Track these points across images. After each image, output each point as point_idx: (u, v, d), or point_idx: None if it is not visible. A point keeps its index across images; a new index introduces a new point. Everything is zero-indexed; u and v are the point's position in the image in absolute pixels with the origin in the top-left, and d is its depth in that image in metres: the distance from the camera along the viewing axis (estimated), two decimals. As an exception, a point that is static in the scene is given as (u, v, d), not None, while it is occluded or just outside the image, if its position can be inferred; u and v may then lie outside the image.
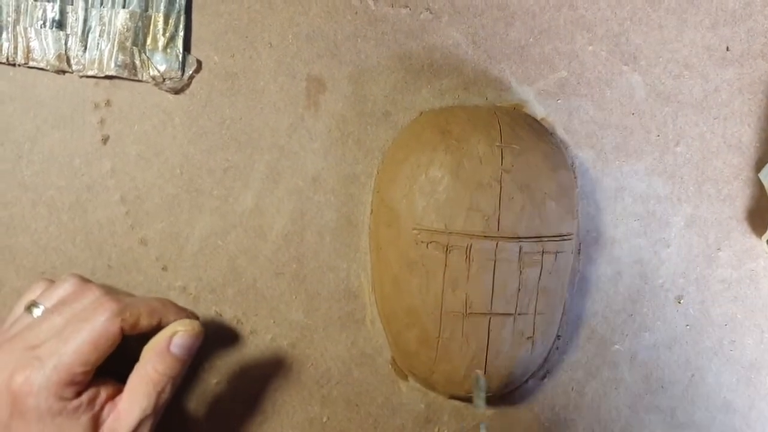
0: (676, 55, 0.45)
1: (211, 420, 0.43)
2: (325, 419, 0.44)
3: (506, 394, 0.44)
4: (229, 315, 0.44)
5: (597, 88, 0.45)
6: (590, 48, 0.45)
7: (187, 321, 0.37)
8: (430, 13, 0.44)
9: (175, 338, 0.36)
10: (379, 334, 0.44)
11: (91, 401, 0.35)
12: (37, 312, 0.37)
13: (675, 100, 0.45)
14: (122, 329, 0.35)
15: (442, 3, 0.44)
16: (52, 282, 0.39)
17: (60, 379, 0.33)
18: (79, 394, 0.34)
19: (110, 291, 0.38)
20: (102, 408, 0.35)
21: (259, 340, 0.44)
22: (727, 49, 0.45)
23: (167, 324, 0.37)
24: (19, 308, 0.38)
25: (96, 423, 0.35)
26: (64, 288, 0.38)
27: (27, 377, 0.33)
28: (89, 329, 0.35)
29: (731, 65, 0.46)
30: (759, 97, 0.46)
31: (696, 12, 0.45)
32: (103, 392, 0.36)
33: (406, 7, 0.44)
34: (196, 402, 0.43)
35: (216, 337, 0.43)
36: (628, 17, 0.45)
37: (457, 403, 0.44)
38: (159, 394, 0.36)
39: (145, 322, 0.37)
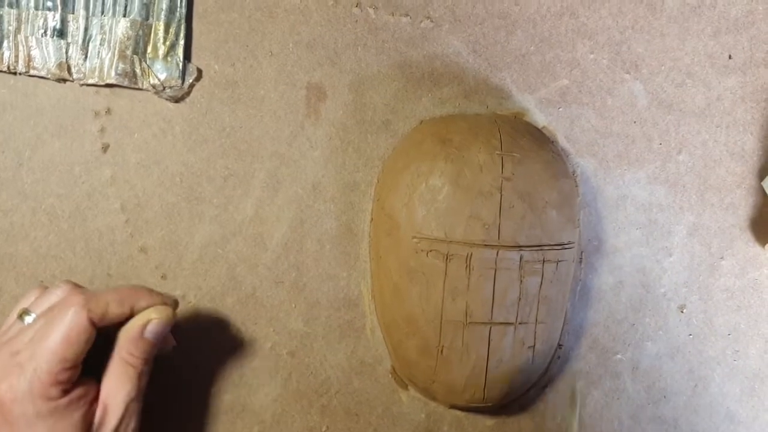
0: (678, 63, 0.45)
1: (208, 430, 0.43)
2: (324, 429, 0.44)
3: (507, 403, 0.43)
4: (228, 323, 0.43)
5: (598, 96, 0.45)
6: (592, 56, 0.45)
7: (161, 308, 0.38)
8: (431, 21, 0.44)
9: (149, 326, 0.37)
10: (379, 343, 0.44)
11: (81, 398, 0.35)
12: (28, 319, 0.37)
13: (677, 108, 0.45)
14: (92, 320, 0.35)
15: (442, 11, 0.44)
16: (46, 289, 0.39)
17: (42, 381, 0.34)
18: (66, 392, 0.34)
19: (78, 287, 0.38)
20: (92, 404, 0.36)
21: (258, 349, 0.44)
22: (730, 57, 0.45)
23: (140, 311, 0.38)
24: (13, 316, 0.38)
25: (88, 420, 0.35)
26: (56, 294, 0.38)
27: (10, 385, 0.33)
28: (59, 326, 0.35)
29: (734, 73, 0.45)
30: (762, 105, 0.45)
31: (698, 20, 0.45)
32: (93, 390, 0.36)
33: (407, 15, 0.44)
34: (194, 412, 0.43)
35: (215, 345, 0.43)
36: (630, 25, 0.45)
37: (457, 412, 0.44)
38: (139, 376, 0.37)
39: (115, 311, 0.36)
